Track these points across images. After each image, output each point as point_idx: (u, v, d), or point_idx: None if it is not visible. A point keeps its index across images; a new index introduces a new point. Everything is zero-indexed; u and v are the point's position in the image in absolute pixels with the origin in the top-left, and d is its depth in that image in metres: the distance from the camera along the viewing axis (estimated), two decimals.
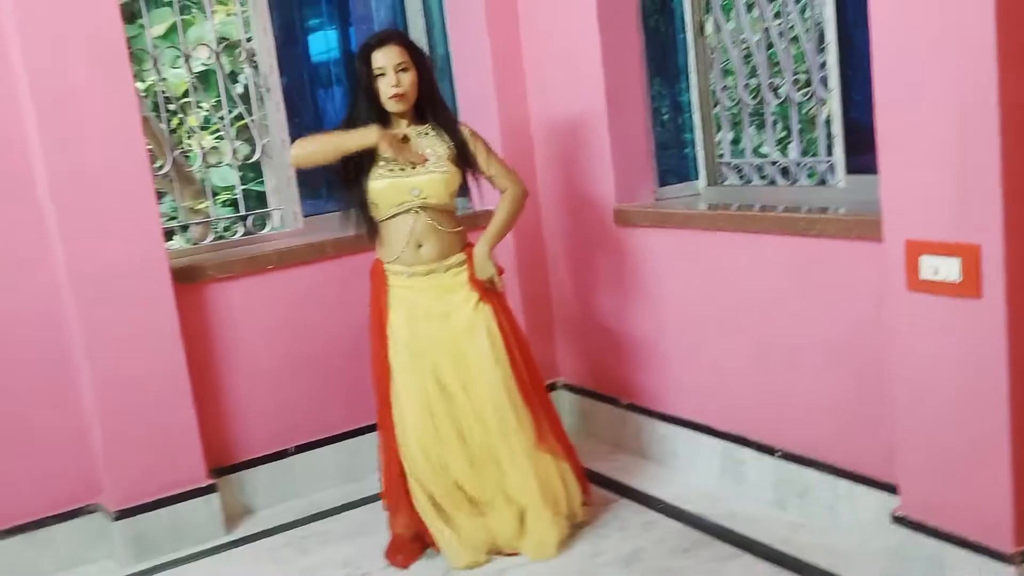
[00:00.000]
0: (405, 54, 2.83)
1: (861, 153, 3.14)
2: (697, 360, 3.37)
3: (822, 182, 3.23)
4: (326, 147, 2.86)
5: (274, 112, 3.80)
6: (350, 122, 2.90)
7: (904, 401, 2.49)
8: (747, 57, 3.44)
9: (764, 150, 3.53)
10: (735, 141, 3.61)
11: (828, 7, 3.04)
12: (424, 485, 2.95)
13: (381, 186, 2.87)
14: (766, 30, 3.33)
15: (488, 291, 2.94)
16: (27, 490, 3.20)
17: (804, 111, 3.35)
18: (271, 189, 3.85)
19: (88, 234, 3.12)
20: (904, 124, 2.34)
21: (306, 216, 3.88)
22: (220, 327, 3.49)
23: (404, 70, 2.82)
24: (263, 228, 3.82)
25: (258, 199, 3.88)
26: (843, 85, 3.09)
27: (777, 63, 3.34)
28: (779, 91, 3.36)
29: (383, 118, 2.89)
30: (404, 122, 2.92)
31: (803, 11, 3.24)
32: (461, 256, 2.96)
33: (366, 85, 2.84)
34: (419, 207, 2.88)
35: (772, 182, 3.41)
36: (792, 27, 3.26)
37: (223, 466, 3.50)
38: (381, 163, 2.87)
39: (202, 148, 3.83)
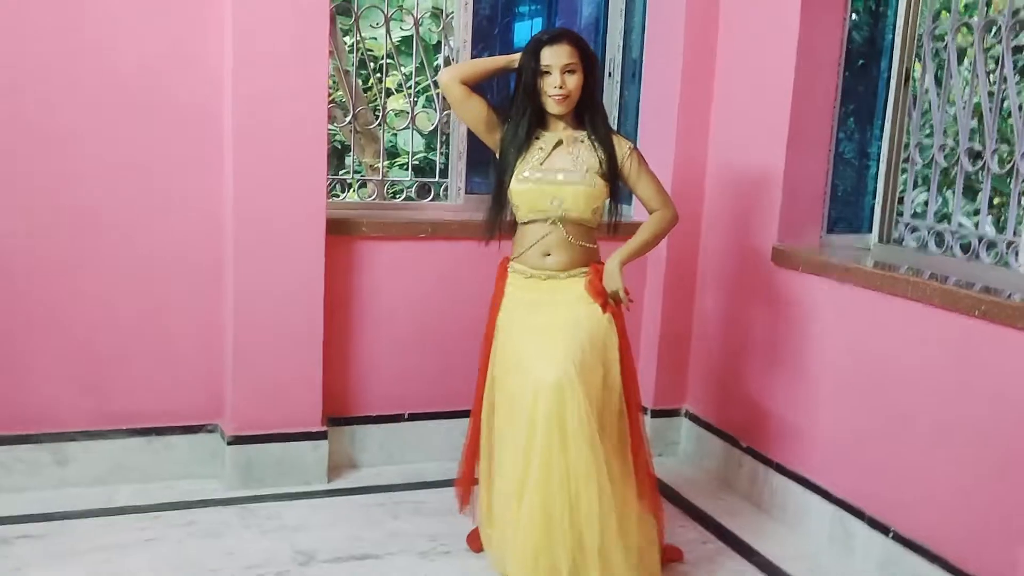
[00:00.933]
0: (575, 55, 2.69)
1: None
2: (831, 418, 3.20)
3: (1004, 262, 3.00)
4: (474, 66, 2.86)
5: None
6: (511, 116, 2.81)
7: None
8: (953, 116, 3.23)
9: (949, 217, 3.30)
10: (920, 202, 3.40)
11: None
12: (488, 489, 2.90)
13: (522, 189, 2.76)
14: (976, 90, 3.10)
15: (608, 304, 2.76)
16: (157, 396, 3.41)
17: (1003, 184, 3.11)
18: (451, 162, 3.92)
19: (259, 172, 3.28)
20: None
21: (471, 193, 3.93)
22: (362, 283, 3.59)
23: (571, 71, 2.70)
24: (428, 196, 3.89)
25: (441, 171, 3.92)
26: None
27: (982, 129, 3.11)
28: (978, 159, 3.14)
29: (540, 117, 2.80)
30: (562, 124, 2.80)
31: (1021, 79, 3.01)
32: (584, 269, 2.80)
33: (529, 80, 2.73)
34: (558, 218, 2.76)
35: (949, 251, 3.19)
36: (1005, 96, 3.02)
37: (338, 416, 3.61)
38: (530, 162, 2.77)
39: (388, 110, 3.91)
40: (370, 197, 3.87)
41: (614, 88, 4.19)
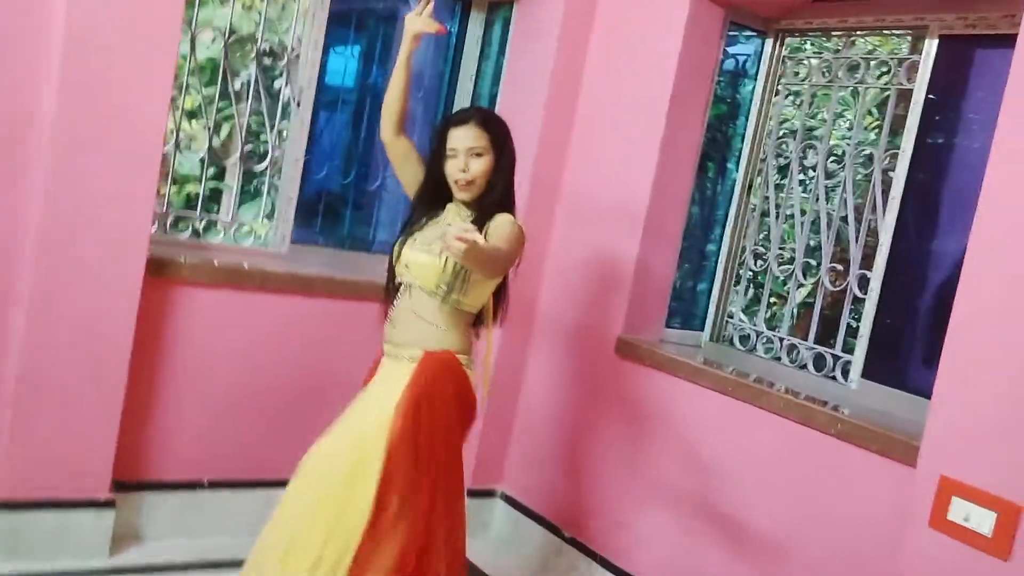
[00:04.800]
0: (484, 138, 2.52)
1: (880, 358, 3.09)
2: (663, 519, 3.20)
3: (830, 376, 3.16)
4: (389, 98, 2.65)
5: (298, 127, 3.58)
6: (421, 190, 2.65)
7: None
8: (789, 228, 3.40)
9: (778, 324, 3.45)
10: (749, 307, 3.54)
11: (891, 208, 3.01)
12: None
13: (395, 249, 2.61)
14: (816, 208, 3.29)
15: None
16: None
17: (830, 300, 3.29)
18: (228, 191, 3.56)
19: (77, 190, 2.81)
20: (977, 355, 2.25)
21: (297, 243, 3.64)
22: (177, 333, 3.18)
23: (478, 155, 2.53)
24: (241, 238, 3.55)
25: (211, 198, 3.56)
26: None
27: (818, 245, 3.29)
28: (810, 273, 3.31)
29: (447, 197, 2.62)
30: (466, 210, 2.60)
31: (858, 198, 3.21)
32: (418, 354, 2.51)
33: (436, 161, 2.58)
34: (411, 285, 2.56)
35: (777, 358, 3.33)
36: (845, 216, 3.22)
37: (127, 481, 3.15)
38: (422, 228, 2.60)
39: (180, 131, 3.42)
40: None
41: None
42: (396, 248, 2.61)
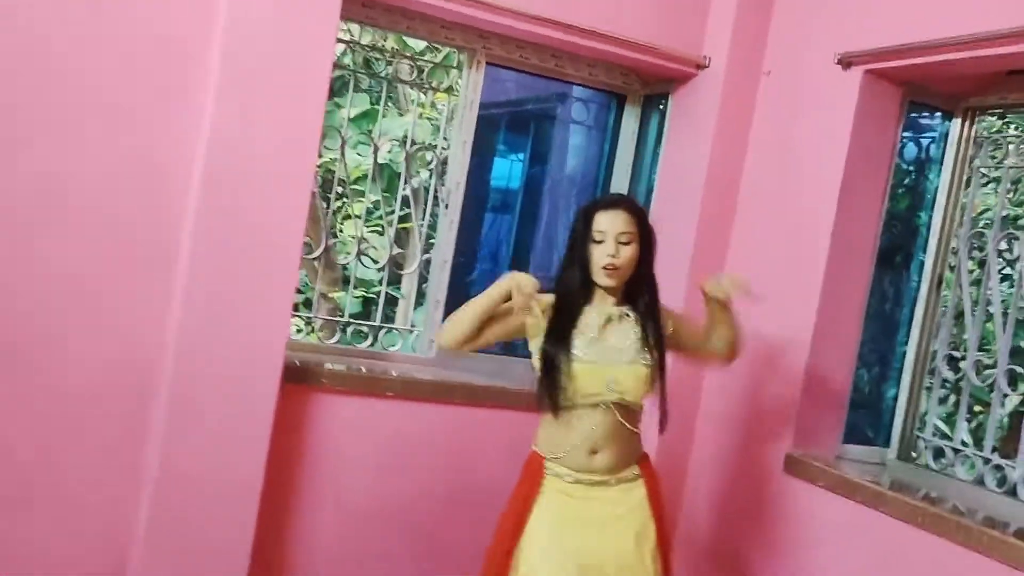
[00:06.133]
0: (632, 224, 2.41)
1: None
2: None
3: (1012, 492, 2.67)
4: (472, 313, 2.39)
5: (447, 229, 3.49)
6: (559, 283, 2.49)
7: None
8: (990, 328, 2.95)
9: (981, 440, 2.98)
10: (947, 418, 3.09)
11: None
12: None
13: (576, 369, 2.39)
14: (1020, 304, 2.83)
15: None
16: (51, 558, 2.80)
17: None
18: (406, 296, 3.50)
19: (215, 300, 2.80)
20: None
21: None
22: (314, 442, 3.09)
23: (626, 243, 2.40)
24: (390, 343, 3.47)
25: (388, 304, 3.52)
26: None
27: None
28: (1020, 379, 2.84)
29: (589, 288, 2.47)
30: (611, 300, 2.48)
31: None
32: (635, 470, 2.48)
33: (580, 248, 2.43)
34: (612, 402, 2.40)
35: (980, 480, 2.84)
36: None
37: None
38: (586, 334, 2.43)
39: (358, 238, 3.50)
40: (324, 337, 3.41)
41: None
42: (565, 364, 2.38)
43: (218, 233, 2.78)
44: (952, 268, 3.08)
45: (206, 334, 2.80)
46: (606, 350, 2.42)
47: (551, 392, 2.39)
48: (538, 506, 2.41)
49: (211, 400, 2.82)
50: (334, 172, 3.41)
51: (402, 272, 3.62)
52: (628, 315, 2.48)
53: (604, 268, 2.40)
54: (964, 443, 2.96)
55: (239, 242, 2.80)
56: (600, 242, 2.40)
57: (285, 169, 2.84)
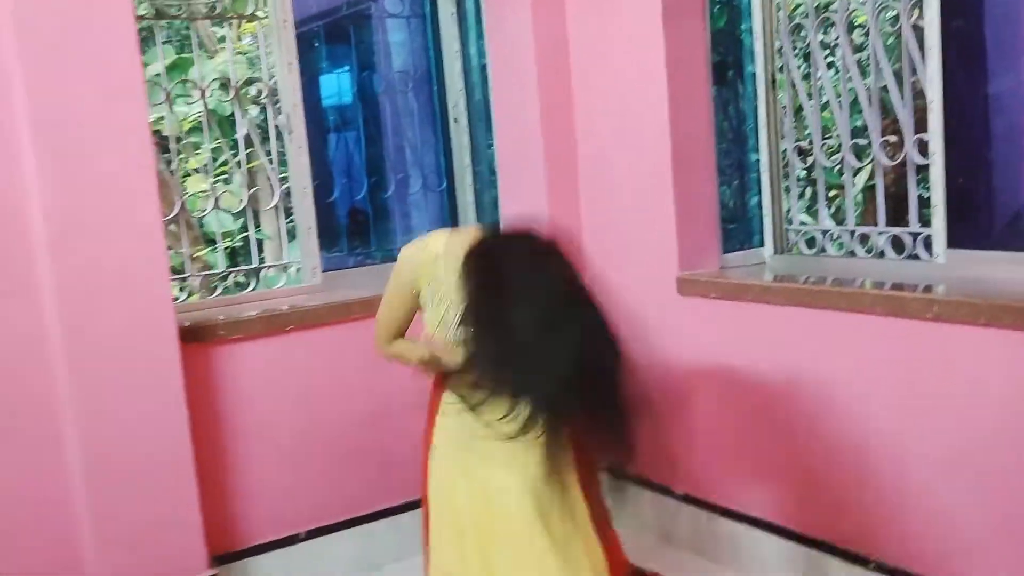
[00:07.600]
0: None
1: (961, 223, 2.81)
2: (769, 452, 2.99)
3: (913, 256, 2.90)
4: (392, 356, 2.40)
5: (297, 155, 3.44)
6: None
7: None
8: (828, 116, 3.13)
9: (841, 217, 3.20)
10: (809, 207, 3.30)
11: (932, 60, 2.72)
12: None
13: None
14: (852, 87, 3.02)
15: None
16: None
17: (893, 177, 3.04)
18: (272, 236, 3.47)
19: (87, 282, 2.72)
20: None
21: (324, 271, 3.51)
22: (229, 394, 3.07)
23: None
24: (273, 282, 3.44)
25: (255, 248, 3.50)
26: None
27: (864, 125, 3.03)
28: (863, 154, 3.05)
29: None
30: None
31: (894, 64, 2.94)
32: None
33: None
34: None
35: (851, 253, 3.07)
36: (884, 85, 2.95)
37: (226, 552, 3.06)
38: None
39: (207, 192, 3.42)
40: (204, 294, 3.37)
41: (462, 133, 3.91)
42: None
43: (71, 214, 2.68)
44: (781, 69, 3.24)
45: (89, 318, 2.72)
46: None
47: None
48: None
49: (116, 382, 2.77)
50: (161, 131, 3.31)
51: (263, 210, 3.57)
52: None
53: None
54: (830, 225, 3.17)
55: (95, 219, 2.71)
56: None
57: (119, 130, 2.74)
